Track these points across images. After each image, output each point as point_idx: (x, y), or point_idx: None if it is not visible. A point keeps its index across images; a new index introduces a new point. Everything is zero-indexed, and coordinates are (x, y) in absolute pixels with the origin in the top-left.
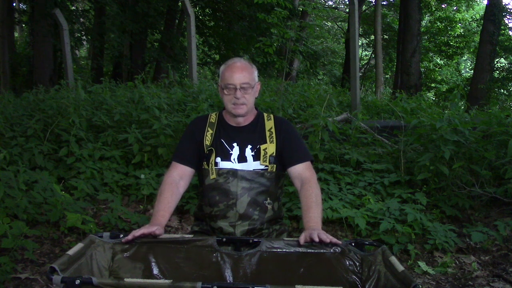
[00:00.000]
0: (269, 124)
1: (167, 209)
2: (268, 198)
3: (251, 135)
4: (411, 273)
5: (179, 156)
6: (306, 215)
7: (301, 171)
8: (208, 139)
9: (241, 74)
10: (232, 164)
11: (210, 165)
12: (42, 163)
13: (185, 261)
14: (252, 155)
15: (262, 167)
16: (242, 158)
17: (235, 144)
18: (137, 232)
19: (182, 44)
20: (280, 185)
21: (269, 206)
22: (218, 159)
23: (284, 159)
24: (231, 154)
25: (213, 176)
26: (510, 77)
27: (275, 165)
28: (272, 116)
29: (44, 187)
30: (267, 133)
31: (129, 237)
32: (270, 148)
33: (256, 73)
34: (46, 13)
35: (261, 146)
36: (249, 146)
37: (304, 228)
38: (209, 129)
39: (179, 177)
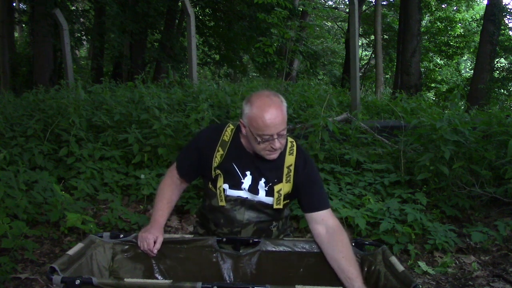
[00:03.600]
0: (290, 160)
1: (166, 209)
2: (274, 222)
3: (267, 168)
4: (411, 273)
5: (181, 168)
6: (347, 272)
7: (325, 218)
8: (216, 161)
9: (277, 120)
10: (242, 192)
11: (218, 190)
12: (42, 163)
13: (185, 261)
14: (265, 190)
15: (274, 205)
16: (253, 190)
17: (248, 173)
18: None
19: (182, 44)
20: (287, 206)
21: (274, 229)
22: (226, 186)
23: (302, 203)
24: (242, 182)
25: (221, 203)
26: (510, 77)
27: (288, 201)
28: (294, 149)
29: (44, 187)
30: (285, 170)
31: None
32: (285, 188)
33: (285, 104)
34: (46, 13)
35: (275, 186)
36: (263, 180)
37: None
38: (220, 149)
39: (179, 181)
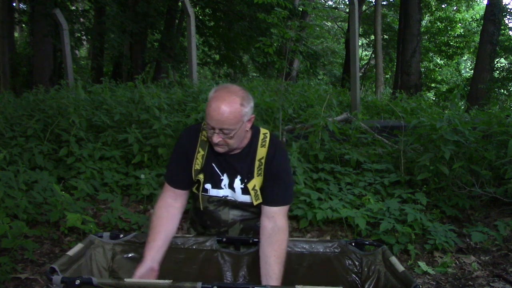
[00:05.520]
0: (262, 152)
1: (163, 240)
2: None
3: (240, 166)
4: (411, 273)
5: (172, 178)
6: (270, 269)
7: (276, 215)
8: (198, 163)
9: (222, 116)
10: (223, 191)
11: (200, 193)
12: (42, 163)
13: (185, 261)
14: (241, 188)
15: (254, 202)
16: (231, 187)
17: (225, 170)
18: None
19: (182, 44)
20: None
21: None
22: (208, 186)
23: (263, 192)
24: (222, 179)
25: (203, 204)
26: (510, 77)
27: None
28: (267, 141)
29: (44, 187)
30: (257, 163)
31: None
32: (257, 182)
33: (249, 108)
34: (46, 13)
35: (248, 184)
36: (239, 177)
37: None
38: (200, 149)
39: (173, 199)
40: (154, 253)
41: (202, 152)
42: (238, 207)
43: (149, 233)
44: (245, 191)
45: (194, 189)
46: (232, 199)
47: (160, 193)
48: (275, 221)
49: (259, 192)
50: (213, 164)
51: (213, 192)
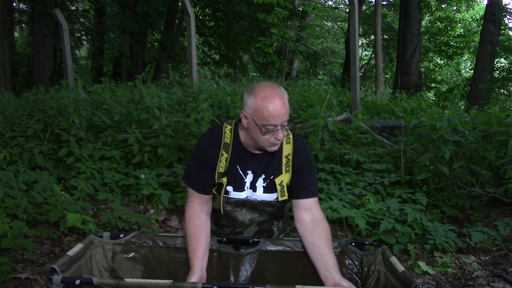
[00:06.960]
0: (287, 149)
1: (204, 246)
2: (275, 222)
3: (266, 164)
4: (411, 273)
5: (198, 185)
6: (328, 259)
7: (312, 207)
8: (222, 166)
9: (282, 110)
10: (245, 192)
11: (221, 196)
12: (42, 163)
13: (185, 261)
14: (263, 186)
15: (274, 199)
16: (252, 187)
17: (249, 172)
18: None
19: (182, 44)
20: (286, 204)
21: (275, 229)
22: (230, 188)
23: (293, 189)
24: (245, 182)
25: (222, 205)
26: (510, 77)
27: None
28: (291, 137)
29: (44, 187)
30: (284, 160)
31: None
32: (286, 178)
33: (287, 95)
34: (46, 13)
35: (276, 179)
36: (263, 176)
37: (325, 277)
38: (223, 152)
39: (201, 205)
40: (200, 261)
41: (226, 155)
42: (256, 208)
43: (189, 242)
44: (267, 189)
45: (213, 190)
46: (251, 199)
47: (187, 202)
48: (313, 212)
49: (285, 188)
50: (237, 166)
51: (235, 194)
